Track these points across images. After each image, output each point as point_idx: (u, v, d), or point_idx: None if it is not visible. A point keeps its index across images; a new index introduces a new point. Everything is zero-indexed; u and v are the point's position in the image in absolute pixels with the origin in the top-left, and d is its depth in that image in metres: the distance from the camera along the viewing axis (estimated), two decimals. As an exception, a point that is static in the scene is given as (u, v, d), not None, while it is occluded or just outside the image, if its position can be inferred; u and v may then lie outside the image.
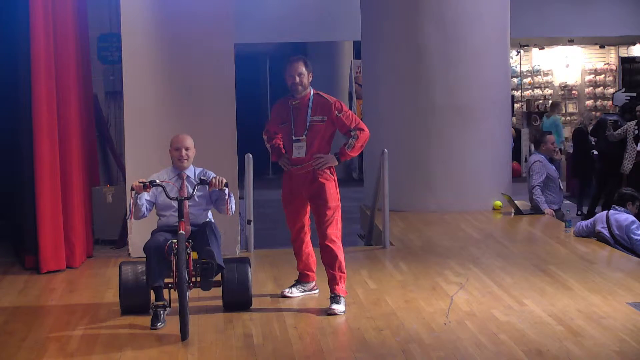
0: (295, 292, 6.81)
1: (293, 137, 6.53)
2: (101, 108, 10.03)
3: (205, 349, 5.58)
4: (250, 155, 8.49)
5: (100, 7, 9.89)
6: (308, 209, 6.72)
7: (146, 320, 6.17)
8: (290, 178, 6.68)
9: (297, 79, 6.48)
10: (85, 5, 9.17)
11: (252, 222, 8.48)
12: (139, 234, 7.91)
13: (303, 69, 6.48)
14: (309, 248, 6.81)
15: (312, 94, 6.55)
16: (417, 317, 6.17)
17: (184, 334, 5.73)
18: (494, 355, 5.38)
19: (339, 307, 6.35)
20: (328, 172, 6.58)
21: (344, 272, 6.50)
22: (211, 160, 7.14)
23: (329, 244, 6.45)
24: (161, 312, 6.08)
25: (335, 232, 6.50)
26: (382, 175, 8.82)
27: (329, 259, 6.46)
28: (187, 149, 6.26)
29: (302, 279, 6.88)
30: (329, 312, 6.32)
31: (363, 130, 6.53)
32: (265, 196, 14.39)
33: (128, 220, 8.26)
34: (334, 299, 6.41)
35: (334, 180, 6.61)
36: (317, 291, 6.88)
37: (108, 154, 10.11)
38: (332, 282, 6.46)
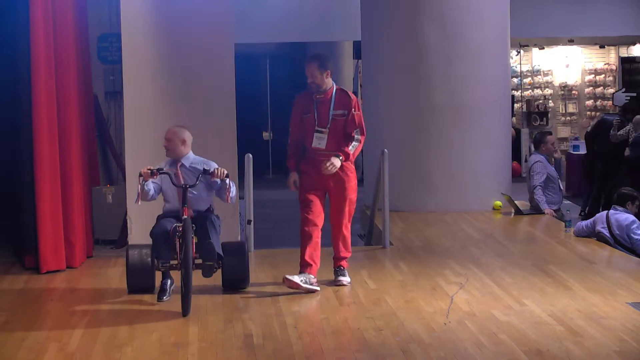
0: (297, 279, 6.80)
1: (316, 127, 6.97)
2: (101, 108, 10.03)
3: (205, 349, 5.58)
4: (250, 155, 8.49)
5: (100, 7, 9.88)
6: (324, 198, 7.14)
7: (146, 319, 6.20)
8: (312, 165, 7.03)
9: (310, 78, 6.98)
10: (85, 5, 9.17)
11: (252, 222, 8.48)
12: (139, 234, 7.91)
13: (315, 71, 6.95)
14: (319, 238, 7.02)
15: (335, 89, 7.07)
16: (417, 317, 6.17)
17: (185, 310, 6.23)
18: (494, 355, 5.38)
19: (346, 278, 7.11)
20: (351, 165, 7.07)
21: (350, 252, 7.22)
22: (211, 160, 7.19)
23: (344, 231, 7.09)
24: (167, 286, 6.69)
25: (349, 221, 7.14)
26: (382, 175, 8.81)
27: (341, 240, 7.10)
28: (168, 140, 6.75)
29: (305, 270, 6.88)
30: (337, 283, 7.06)
31: (364, 134, 7.07)
32: (265, 196, 14.38)
33: (128, 219, 8.29)
34: (340, 271, 7.12)
35: (355, 173, 7.15)
36: (318, 289, 6.91)
37: (108, 154, 10.10)
38: (340, 259, 7.14)
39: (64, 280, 7.57)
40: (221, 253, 6.54)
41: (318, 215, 6.99)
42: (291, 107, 7.24)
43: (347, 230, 7.11)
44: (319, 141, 6.93)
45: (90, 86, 9.34)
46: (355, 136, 6.97)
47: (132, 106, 8.35)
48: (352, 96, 7.09)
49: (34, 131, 7.71)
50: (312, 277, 6.89)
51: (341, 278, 7.09)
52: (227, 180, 6.58)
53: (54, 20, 7.90)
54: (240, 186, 8.37)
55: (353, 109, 6.97)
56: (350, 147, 6.93)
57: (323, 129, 6.93)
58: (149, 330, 5.97)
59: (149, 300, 6.76)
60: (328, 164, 6.84)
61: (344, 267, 7.16)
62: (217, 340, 5.75)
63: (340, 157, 6.90)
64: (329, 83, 7.02)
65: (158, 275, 6.85)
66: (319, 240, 6.99)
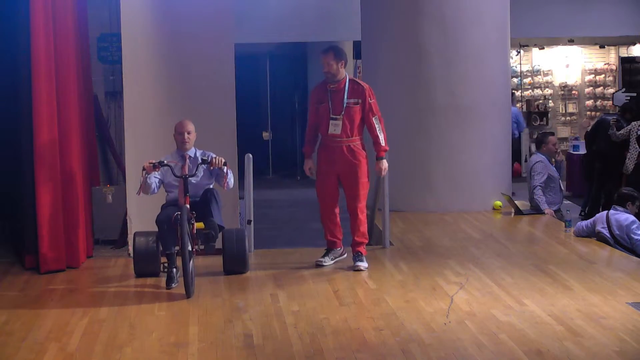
0: (328, 261, 7.71)
1: (331, 115, 7.50)
2: (101, 108, 10.03)
3: (205, 349, 5.58)
4: (250, 155, 8.49)
5: (100, 7, 9.88)
6: (338, 182, 7.64)
7: (146, 319, 6.21)
8: (327, 151, 7.59)
9: (326, 68, 7.47)
10: (85, 5, 9.17)
11: (252, 222, 8.48)
12: (139, 233, 7.91)
13: (331, 61, 7.45)
14: (337, 219, 7.73)
15: (347, 79, 7.53)
16: (417, 317, 6.17)
17: (188, 293, 6.68)
18: (494, 355, 5.38)
19: (363, 264, 7.59)
20: (362, 151, 7.57)
21: (367, 238, 7.77)
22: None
23: (360, 215, 7.59)
24: (174, 273, 7.04)
25: (364, 204, 7.64)
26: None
27: (357, 227, 7.61)
28: (188, 133, 7.24)
29: (331, 246, 7.75)
30: (355, 269, 7.53)
31: (381, 120, 7.58)
32: (265, 196, 14.38)
33: (128, 219, 8.29)
34: (358, 257, 7.60)
35: (366, 158, 7.61)
36: (345, 255, 7.82)
37: (108, 154, 10.10)
38: (358, 245, 7.64)
39: (64, 280, 7.57)
40: (222, 224, 7.11)
41: (333, 198, 7.65)
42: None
43: (362, 215, 7.61)
44: (335, 128, 7.47)
45: (90, 86, 9.34)
46: (377, 126, 7.51)
47: (132, 106, 8.35)
48: (365, 85, 7.59)
49: (34, 131, 7.71)
50: (339, 249, 7.79)
51: (359, 263, 7.58)
52: (225, 168, 7.08)
53: (54, 21, 7.90)
54: (240, 186, 8.38)
55: (369, 98, 7.51)
56: (381, 141, 7.52)
57: (337, 117, 7.47)
58: (149, 330, 5.98)
59: (149, 300, 6.78)
60: (382, 171, 7.65)
61: (362, 253, 7.65)
62: (217, 340, 5.75)
63: (384, 157, 7.59)
64: (343, 73, 7.52)
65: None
66: (337, 219, 7.70)
